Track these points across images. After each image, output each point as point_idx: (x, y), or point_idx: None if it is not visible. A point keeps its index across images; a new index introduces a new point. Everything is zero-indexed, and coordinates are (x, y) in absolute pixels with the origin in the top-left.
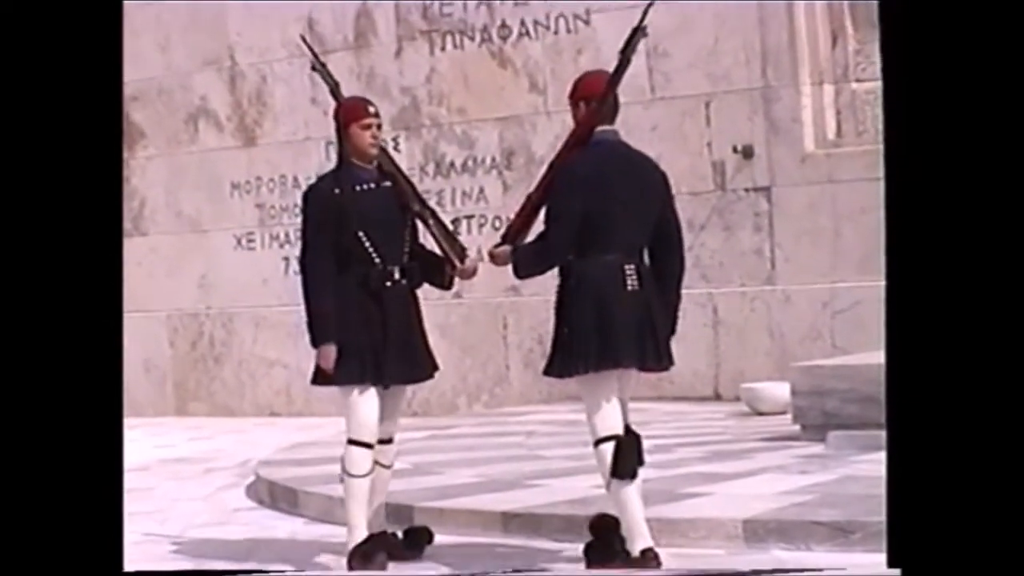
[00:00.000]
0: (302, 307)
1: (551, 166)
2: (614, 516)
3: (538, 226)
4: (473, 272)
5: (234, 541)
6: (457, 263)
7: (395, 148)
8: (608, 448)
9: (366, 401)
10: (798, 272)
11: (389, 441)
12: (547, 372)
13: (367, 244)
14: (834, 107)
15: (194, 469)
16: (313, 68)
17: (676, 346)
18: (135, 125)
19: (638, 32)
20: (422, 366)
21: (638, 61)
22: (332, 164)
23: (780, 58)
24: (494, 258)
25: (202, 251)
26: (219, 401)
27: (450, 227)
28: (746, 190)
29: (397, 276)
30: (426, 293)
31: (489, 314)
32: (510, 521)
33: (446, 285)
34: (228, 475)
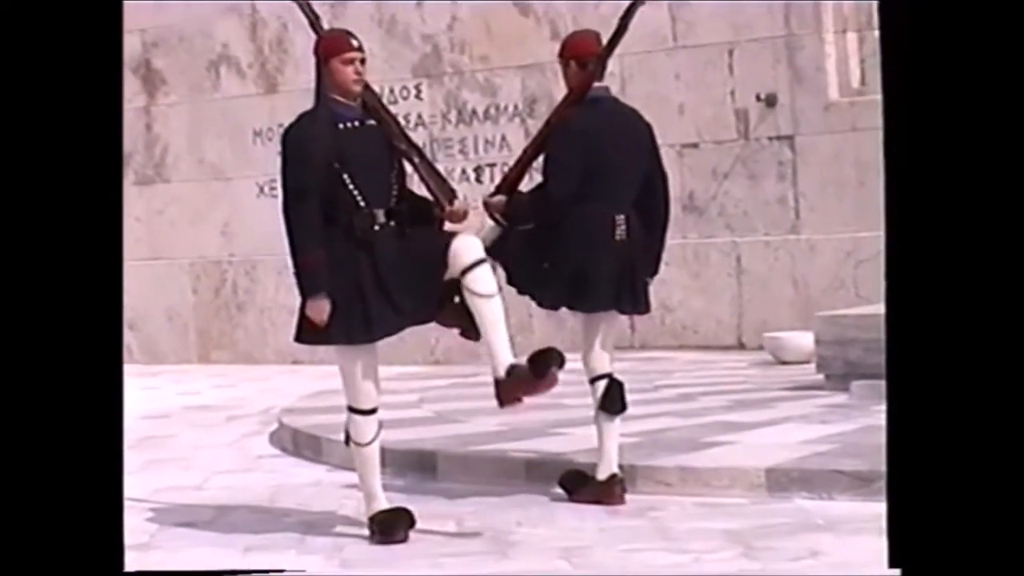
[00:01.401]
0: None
1: (547, 122)
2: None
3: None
4: (464, 215)
5: (258, 488)
6: (446, 204)
7: (417, 96)
8: (602, 384)
9: (362, 366)
10: (822, 221)
11: (477, 264)
12: (510, 281)
13: (351, 186)
14: (858, 55)
15: (217, 416)
16: None
17: (700, 296)
18: (156, 72)
19: (637, 2)
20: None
21: (660, 9)
22: None
23: (803, 6)
24: (489, 207)
25: (225, 199)
26: (242, 349)
27: (438, 167)
28: (770, 139)
29: (383, 219)
30: None
31: None
32: (533, 469)
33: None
34: (251, 423)
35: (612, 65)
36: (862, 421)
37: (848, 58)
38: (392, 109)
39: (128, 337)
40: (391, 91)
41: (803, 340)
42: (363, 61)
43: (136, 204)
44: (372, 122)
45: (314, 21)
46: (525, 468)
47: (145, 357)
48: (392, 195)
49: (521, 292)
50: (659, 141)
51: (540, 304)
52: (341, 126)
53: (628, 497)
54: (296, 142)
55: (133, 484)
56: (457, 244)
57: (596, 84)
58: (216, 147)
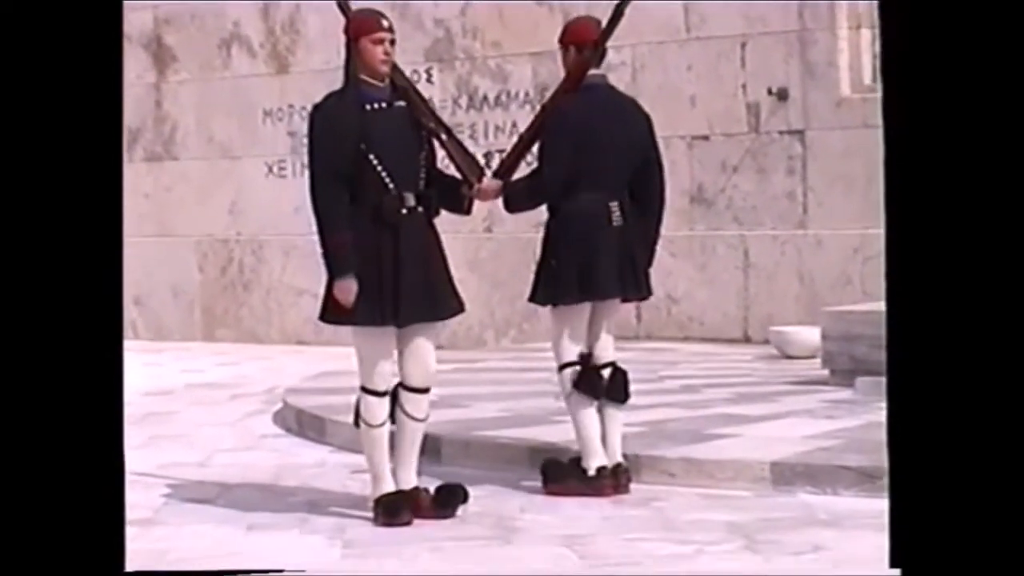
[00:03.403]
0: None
1: (543, 108)
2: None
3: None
4: (494, 193)
5: (261, 467)
6: (475, 183)
7: (428, 80)
8: (570, 372)
9: (379, 348)
10: (830, 217)
11: (423, 391)
12: (532, 299)
13: (379, 168)
14: (870, 51)
15: (221, 395)
16: None
17: (706, 288)
18: (167, 48)
19: None
20: (442, 303)
21: (674, 0)
22: None
23: (817, 1)
24: (486, 192)
25: (233, 177)
26: (246, 328)
27: (466, 146)
28: (780, 133)
29: (412, 203)
30: (456, 226)
31: (519, 249)
32: (536, 456)
33: (465, 210)
34: (255, 401)
35: (624, 55)
36: (867, 417)
37: (861, 54)
38: None
39: (133, 313)
40: None
41: (809, 335)
42: (392, 42)
43: (144, 180)
44: (401, 103)
45: (342, 2)
46: (528, 455)
47: (149, 333)
48: (421, 177)
49: (543, 303)
50: (670, 132)
51: (548, 304)
52: (368, 107)
53: (632, 486)
54: (323, 123)
55: (136, 459)
56: None
57: (593, 71)
58: (225, 126)
